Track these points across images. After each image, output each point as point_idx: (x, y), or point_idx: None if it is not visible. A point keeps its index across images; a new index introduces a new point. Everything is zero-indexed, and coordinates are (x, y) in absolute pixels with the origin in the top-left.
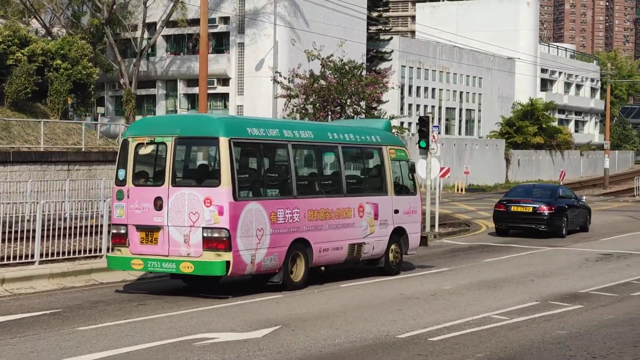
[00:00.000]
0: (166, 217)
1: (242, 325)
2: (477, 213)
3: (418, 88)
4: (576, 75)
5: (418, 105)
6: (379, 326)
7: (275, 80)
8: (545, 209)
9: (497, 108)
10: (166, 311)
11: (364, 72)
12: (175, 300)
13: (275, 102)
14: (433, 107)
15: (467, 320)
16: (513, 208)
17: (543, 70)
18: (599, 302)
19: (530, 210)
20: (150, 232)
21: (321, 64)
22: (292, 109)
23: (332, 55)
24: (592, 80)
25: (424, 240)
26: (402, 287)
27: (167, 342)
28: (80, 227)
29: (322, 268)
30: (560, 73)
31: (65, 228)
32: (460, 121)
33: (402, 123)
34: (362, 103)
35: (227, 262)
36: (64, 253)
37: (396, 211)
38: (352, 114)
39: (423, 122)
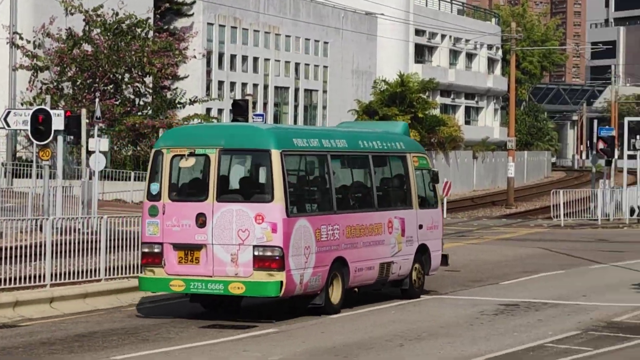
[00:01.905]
0: (210, 235)
1: None
2: None
3: (233, 58)
4: (467, 41)
5: (233, 84)
6: None
7: (12, 44)
8: None
9: (351, 88)
10: None
11: (150, 33)
12: None
13: (14, 77)
14: (256, 86)
15: None
16: None
17: (418, 32)
18: None
19: None
20: (190, 251)
21: (85, 20)
22: (41, 87)
23: (101, 6)
24: (491, 47)
25: (444, 259)
26: (213, 356)
27: None
28: None
29: (356, 289)
30: (443, 37)
31: None
32: (296, 107)
33: (209, 110)
34: (149, 79)
35: (281, 282)
36: None
37: (420, 226)
38: (132, 96)
39: (239, 109)
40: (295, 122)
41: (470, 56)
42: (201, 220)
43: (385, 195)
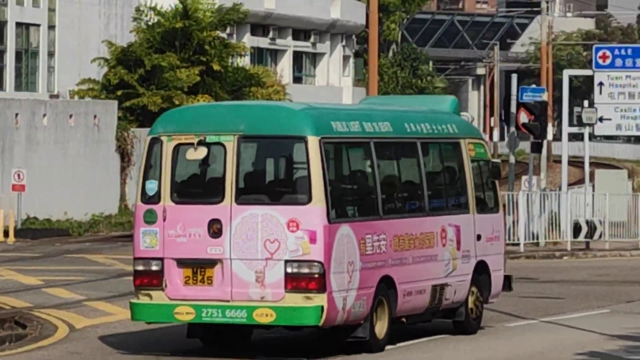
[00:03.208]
0: (228, 247)
1: None
2: (48, 293)
3: None
4: None
5: None
6: None
7: None
8: None
9: (99, 21)
10: None
11: None
12: None
13: None
14: None
15: None
16: None
17: None
18: None
19: None
20: (201, 268)
21: None
22: None
23: None
24: None
25: (507, 282)
26: None
27: None
28: None
29: (404, 319)
30: None
31: None
32: (2, 54)
33: None
34: None
35: (321, 308)
36: None
37: (478, 237)
38: None
39: None
40: (1, 86)
41: None
42: (215, 229)
43: (436, 195)
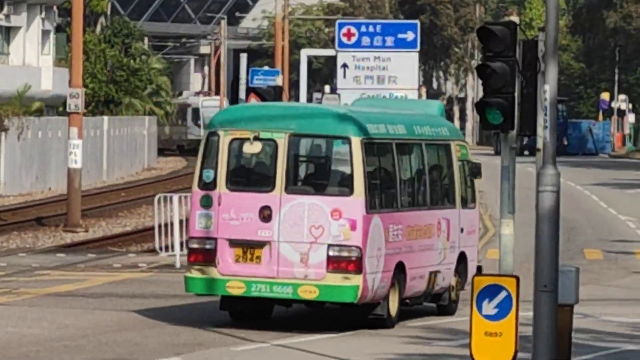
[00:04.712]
0: (276, 231)
1: None
2: None
3: None
4: None
5: None
6: None
7: None
8: None
9: None
10: None
11: None
12: None
13: None
14: None
15: None
16: None
17: None
18: None
19: None
20: (251, 248)
21: None
22: None
23: None
24: None
25: (479, 272)
26: None
27: None
28: None
29: (408, 301)
30: None
31: None
32: None
33: None
34: None
35: (357, 287)
36: None
37: (461, 230)
38: None
39: None
40: None
41: None
42: (265, 214)
43: (434, 191)
